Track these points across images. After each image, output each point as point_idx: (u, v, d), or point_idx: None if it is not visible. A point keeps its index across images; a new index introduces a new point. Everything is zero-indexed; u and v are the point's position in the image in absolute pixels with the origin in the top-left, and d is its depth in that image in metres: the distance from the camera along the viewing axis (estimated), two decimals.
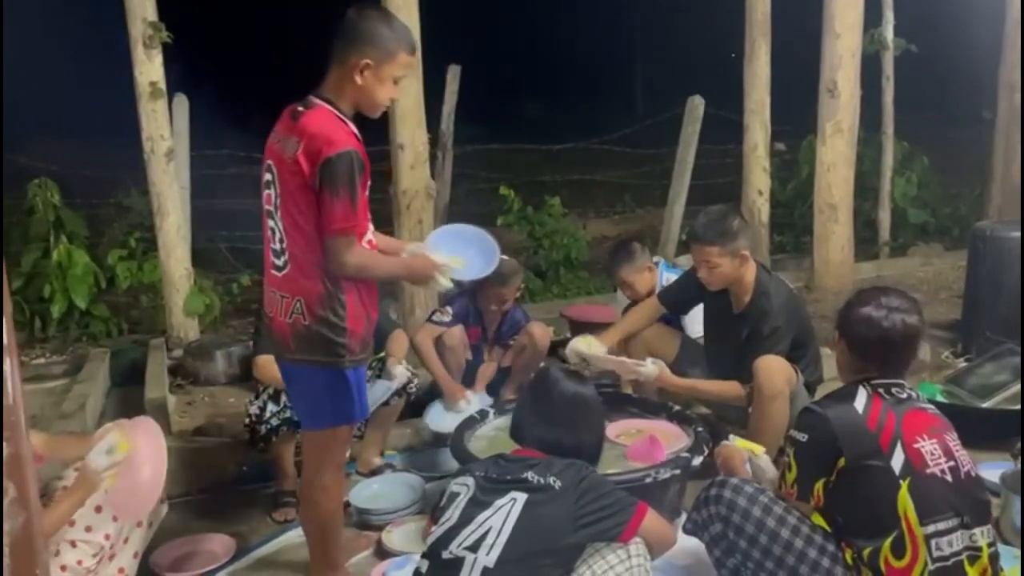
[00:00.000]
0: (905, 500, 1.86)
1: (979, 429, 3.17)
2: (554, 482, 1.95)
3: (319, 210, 2.14)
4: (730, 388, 2.95)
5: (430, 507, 2.76)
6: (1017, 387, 3.40)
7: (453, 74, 5.61)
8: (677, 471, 2.54)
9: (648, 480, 2.47)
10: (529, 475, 1.97)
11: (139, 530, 2.34)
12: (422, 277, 2.44)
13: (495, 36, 14.38)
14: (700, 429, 2.81)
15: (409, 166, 4.22)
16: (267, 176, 2.25)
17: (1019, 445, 2.87)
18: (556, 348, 4.43)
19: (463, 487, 2.04)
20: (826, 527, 1.98)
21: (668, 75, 11.98)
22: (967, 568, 1.88)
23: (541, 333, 3.62)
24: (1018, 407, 3.33)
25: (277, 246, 2.24)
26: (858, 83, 4.88)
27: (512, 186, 6.14)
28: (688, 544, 2.32)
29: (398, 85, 2.25)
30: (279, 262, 2.25)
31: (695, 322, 3.45)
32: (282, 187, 2.19)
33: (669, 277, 3.61)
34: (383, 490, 3.02)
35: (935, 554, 1.86)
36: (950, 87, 8.81)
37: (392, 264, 2.42)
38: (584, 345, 3.16)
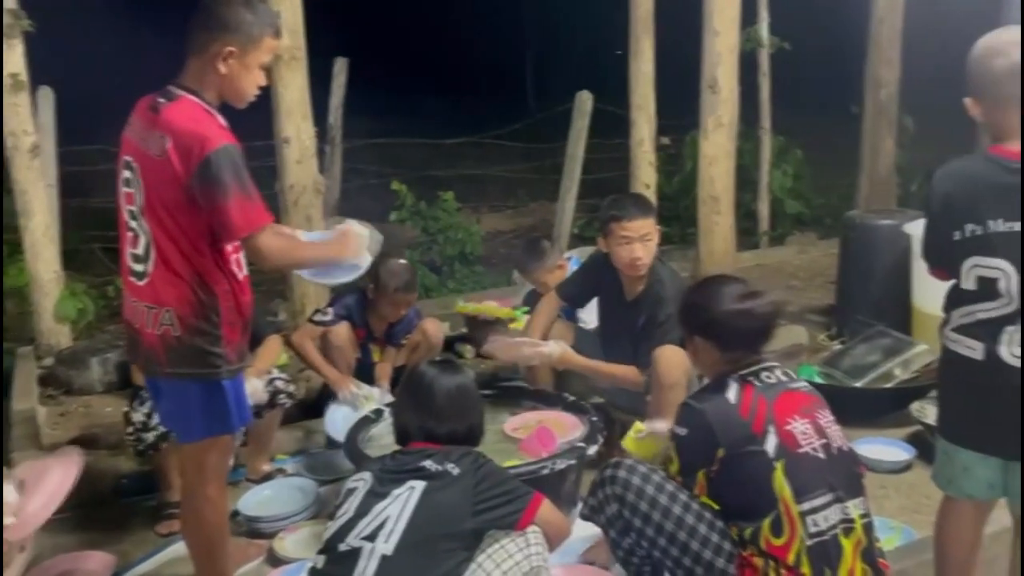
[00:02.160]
0: (781, 481, 1.94)
1: (854, 407, 3.36)
2: (452, 469, 1.96)
3: (211, 216, 2.02)
4: (629, 372, 3.01)
5: (324, 511, 2.70)
6: (887, 366, 3.61)
7: (340, 66, 5.50)
8: (573, 461, 2.58)
9: (545, 472, 2.49)
10: (427, 463, 1.97)
11: (20, 555, 2.21)
12: (353, 251, 2.33)
13: (385, 29, 14.20)
14: (595, 418, 2.85)
15: (295, 161, 4.11)
16: (126, 174, 2.11)
17: None
18: (451, 344, 4.43)
19: (360, 482, 2.03)
20: (714, 506, 2.05)
21: (559, 71, 12.12)
22: (842, 540, 1.97)
23: (434, 329, 3.60)
24: (889, 385, 3.54)
25: (140, 251, 2.10)
26: (737, 79, 5.06)
27: (404, 181, 6.07)
28: (588, 532, 2.37)
29: (264, 72, 2.15)
30: (140, 269, 2.11)
31: (589, 314, 3.51)
32: (147, 186, 2.06)
33: None
34: (274, 496, 2.93)
35: (812, 530, 1.93)
36: (821, 83, 9.28)
37: (316, 247, 2.32)
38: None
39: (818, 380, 3.62)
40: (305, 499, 2.88)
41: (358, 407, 3.23)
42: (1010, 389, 1.91)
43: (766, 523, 1.94)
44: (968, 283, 1.95)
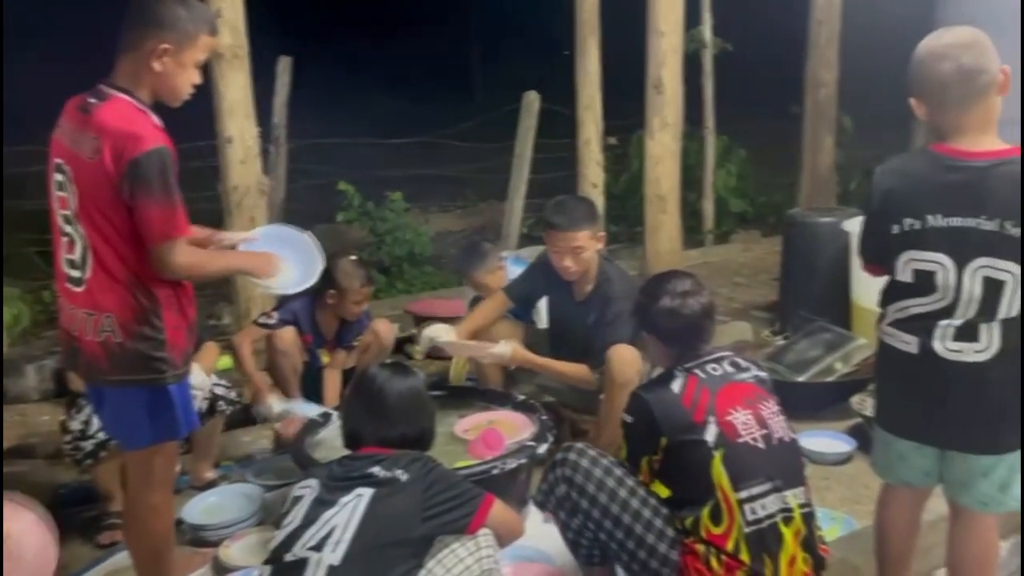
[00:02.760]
0: (719, 469, 1.99)
1: (797, 401, 3.43)
2: (401, 475, 1.93)
3: (133, 216, 1.98)
4: (581, 371, 3.02)
5: (271, 517, 2.65)
6: (828, 361, 3.69)
7: (284, 65, 5.42)
8: (523, 460, 2.58)
9: (495, 472, 2.49)
10: (375, 470, 1.94)
11: None
12: (266, 270, 2.31)
13: (330, 28, 14.04)
14: (544, 417, 2.86)
15: (239, 161, 4.03)
16: (58, 177, 2.04)
17: None
18: (402, 344, 4.40)
19: (306, 489, 1.99)
20: (661, 493, 2.10)
21: (507, 70, 12.13)
22: (782, 529, 2.02)
23: (386, 329, 3.58)
24: (830, 379, 3.62)
25: (76, 256, 2.04)
26: (681, 80, 5.13)
27: (352, 181, 6.02)
28: (544, 529, 2.39)
29: (199, 71, 2.11)
30: (77, 275, 2.05)
31: (541, 315, 3.52)
32: (81, 189, 2.00)
33: (516, 271, 3.65)
34: (219, 503, 2.87)
35: (749, 518, 1.98)
36: (763, 84, 9.45)
37: (228, 259, 2.29)
38: (435, 333, 3.18)
39: None
40: (251, 505, 2.83)
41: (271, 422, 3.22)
42: (944, 381, 1.97)
43: (705, 511, 1.99)
44: (904, 277, 2.00)
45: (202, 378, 2.83)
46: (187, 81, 2.09)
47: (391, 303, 5.30)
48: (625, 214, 7.07)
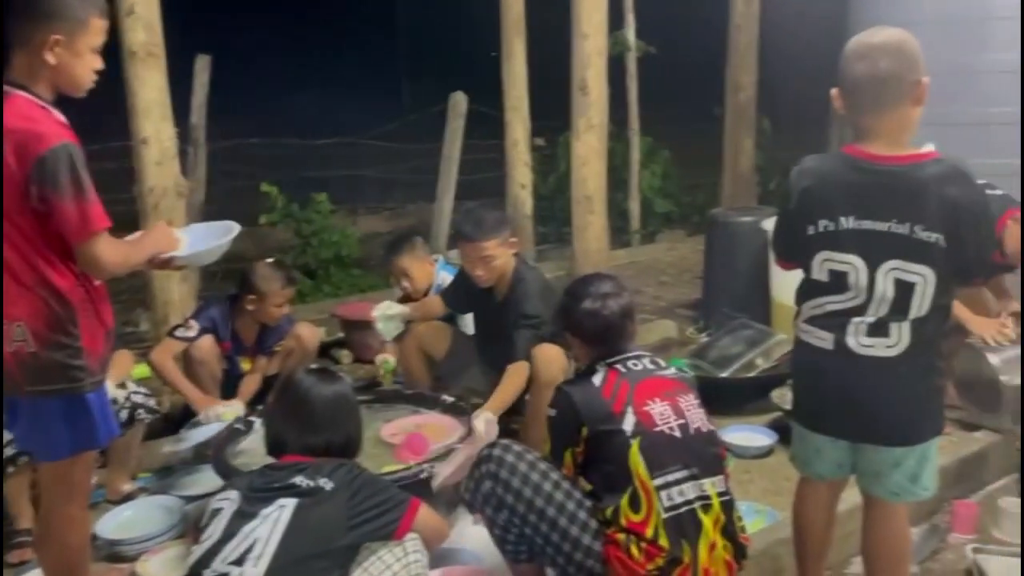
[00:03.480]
0: (636, 457, 2.04)
1: (721, 397, 3.51)
2: (325, 484, 1.90)
3: (50, 218, 1.89)
4: (520, 373, 2.94)
5: (191, 529, 2.58)
6: (749, 356, 3.79)
7: (202, 64, 5.27)
8: None
9: (423, 475, 2.48)
10: (298, 480, 1.90)
11: None
12: (166, 243, 2.22)
13: (252, 26, 13.72)
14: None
15: (155, 162, 3.89)
16: None
17: None
18: (328, 349, 4.34)
19: (226, 501, 1.93)
20: (585, 486, 2.13)
21: (434, 71, 12.08)
22: (701, 516, 2.07)
23: (309, 334, 3.51)
24: (752, 374, 3.72)
25: None
26: (605, 82, 5.19)
27: (275, 183, 5.90)
28: (473, 530, 2.39)
29: (97, 54, 2.01)
30: None
31: (466, 321, 3.52)
32: None
33: (446, 276, 3.63)
34: (136, 516, 2.77)
35: (667, 504, 2.03)
36: (685, 87, 9.65)
37: (139, 246, 2.19)
38: (386, 309, 3.25)
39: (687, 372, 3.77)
40: (170, 518, 2.74)
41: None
42: (856, 376, 2.04)
43: (625, 499, 2.03)
44: (820, 275, 2.06)
45: (113, 392, 2.72)
46: (86, 69, 2.00)
47: (317, 307, 5.22)
48: (554, 214, 7.13)
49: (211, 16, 10.62)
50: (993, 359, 3.19)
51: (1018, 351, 3.17)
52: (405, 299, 3.62)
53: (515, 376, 2.93)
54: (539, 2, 5.46)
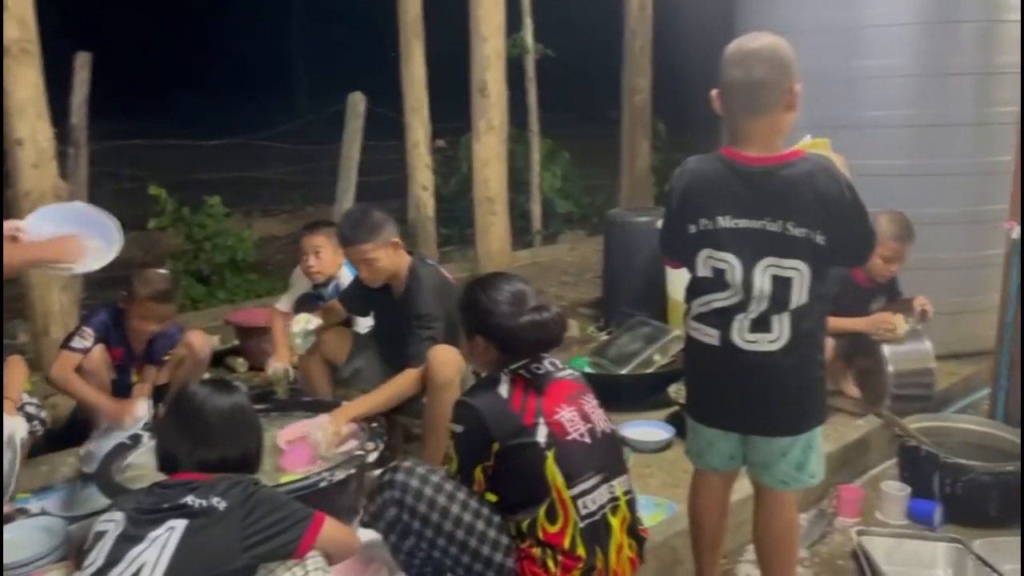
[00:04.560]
0: (552, 469, 2.00)
1: (621, 393, 3.59)
2: (218, 503, 1.80)
3: None
4: (405, 381, 2.93)
5: (76, 552, 2.44)
6: (647, 353, 3.87)
7: (82, 62, 4.99)
8: (352, 470, 2.52)
9: (324, 484, 2.42)
10: (189, 499, 1.80)
11: None
12: (75, 254, 2.07)
13: (138, 22, 13.15)
14: (375, 424, 2.81)
15: (31, 164, 3.68)
16: None
17: None
18: (222, 357, 4.19)
19: (111, 523, 1.81)
20: (492, 498, 2.08)
21: (332, 71, 11.86)
22: (610, 518, 2.07)
23: (200, 342, 3.37)
24: (650, 370, 3.80)
25: None
26: (504, 84, 5.22)
27: (164, 185, 5.65)
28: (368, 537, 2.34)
29: None
30: None
31: (359, 322, 3.46)
32: None
33: (347, 277, 3.55)
34: (15, 539, 2.59)
35: (583, 512, 2.02)
36: (585, 90, 9.83)
37: (28, 251, 2.04)
38: (306, 324, 3.16)
39: (588, 370, 3.82)
40: (52, 540, 2.58)
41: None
42: (743, 370, 2.11)
43: (541, 511, 2.00)
44: (704, 273, 2.12)
45: (17, 422, 2.55)
46: None
47: (212, 313, 5.04)
48: (456, 216, 7.12)
49: (92, 11, 10.12)
50: (886, 350, 3.37)
51: (914, 346, 3.37)
52: (308, 307, 3.52)
53: (395, 385, 2.88)
54: (438, 3, 5.44)
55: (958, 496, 2.88)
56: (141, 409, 3.09)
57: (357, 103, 5.85)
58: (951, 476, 2.90)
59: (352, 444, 2.71)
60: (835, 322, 2.89)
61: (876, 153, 3.76)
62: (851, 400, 3.54)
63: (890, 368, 3.37)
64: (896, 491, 2.96)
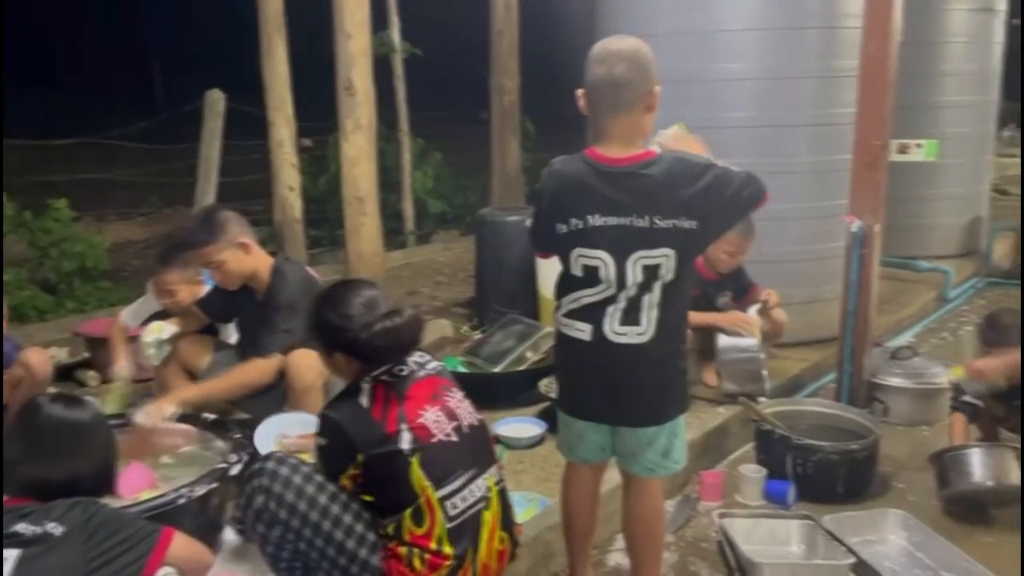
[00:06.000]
0: (418, 474, 1.99)
1: (495, 391, 3.61)
2: (54, 529, 1.68)
3: None
4: (250, 369, 2.84)
5: None
6: (520, 350, 3.91)
7: None
8: (214, 484, 2.41)
9: (182, 501, 2.30)
10: (20, 527, 1.67)
11: None
12: None
13: None
14: (239, 435, 2.70)
15: None
16: None
17: None
18: (72, 371, 3.92)
19: None
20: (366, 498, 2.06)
21: (190, 68, 11.35)
22: (484, 515, 2.08)
23: (39, 360, 3.11)
24: (522, 367, 3.84)
25: None
26: (372, 82, 5.14)
27: (3, 188, 5.24)
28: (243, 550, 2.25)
29: None
30: None
31: (228, 330, 3.33)
32: None
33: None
34: None
35: (451, 512, 2.02)
36: (454, 89, 9.84)
37: None
38: (160, 333, 3.04)
39: (461, 369, 3.83)
40: None
41: None
42: (613, 363, 2.17)
43: (407, 514, 1.99)
44: (576, 270, 2.16)
45: None
46: None
47: (60, 324, 4.71)
48: (326, 217, 6.97)
49: None
50: (720, 341, 3.54)
51: (746, 340, 3.55)
52: (163, 314, 3.36)
53: (239, 373, 2.82)
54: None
55: (809, 475, 3.07)
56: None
57: (216, 101, 5.61)
58: (802, 457, 3.07)
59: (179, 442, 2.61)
60: (693, 316, 3.01)
61: (729, 152, 3.85)
62: (711, 389, 3.69)
63: (722, 358, 3.54)
64: (753, 473, 3.12)
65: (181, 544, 1.86)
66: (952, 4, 5.83)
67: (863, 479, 3.13)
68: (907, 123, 4.92)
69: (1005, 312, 3.23)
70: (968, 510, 2.97)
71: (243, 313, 3.13)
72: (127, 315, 3.51)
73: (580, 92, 2.14)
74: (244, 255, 2.92)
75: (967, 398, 3.20)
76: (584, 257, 2.13)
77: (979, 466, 2.94)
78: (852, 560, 2.55)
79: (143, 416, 2.64)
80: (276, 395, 2.95)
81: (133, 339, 3.36)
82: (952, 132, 5.77)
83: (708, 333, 3.62)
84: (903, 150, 4.93)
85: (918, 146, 5.07)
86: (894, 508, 2.90)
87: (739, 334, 3.57)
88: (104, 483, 1.92)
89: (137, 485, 2.42)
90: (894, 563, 2.68)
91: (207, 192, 5.69)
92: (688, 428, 2.39)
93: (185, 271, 3.36)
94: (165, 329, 3.11)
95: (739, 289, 3.81)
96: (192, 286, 3.39)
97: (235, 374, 2.86)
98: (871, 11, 3.50)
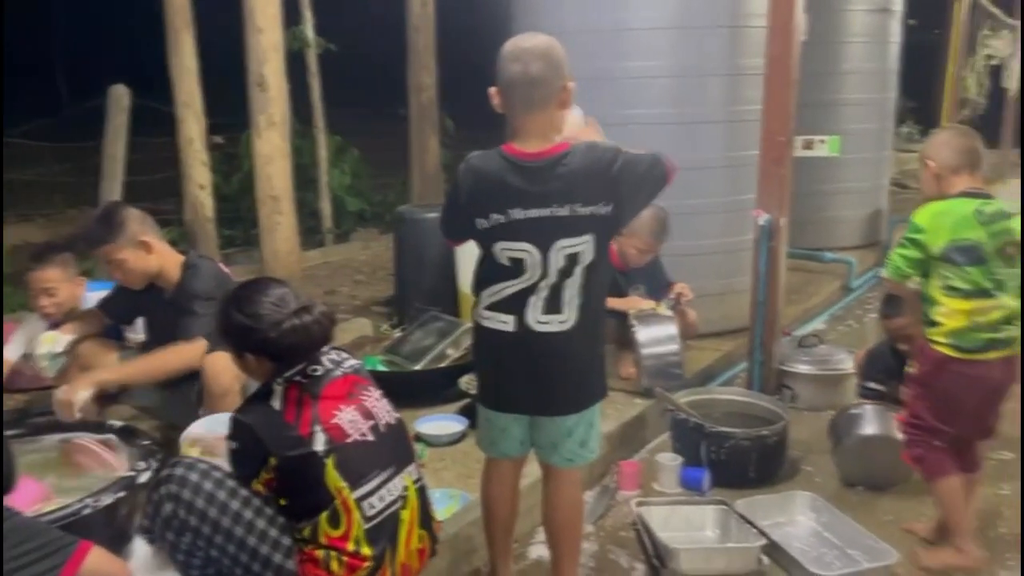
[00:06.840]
0: (333, 474, 1.96)
1: (416, 389, 3.59)
2: None
3: None
4: (172, 353, 2.75)
5: None
6: (440, 347, 3.90)
7: None
8: (122, 493, 2.33)
9: (87, 511, 2.21)
10: None
11: None
12: None
13: None
14: (147, 442, 2.62)
15: None
16: None
17: None
18: None
19: None
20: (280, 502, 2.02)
21: (96, 63, 10.90)
22: (401, 514, 2.07)
23: None
24: (443, 365, 3.84)
25: None
26: (285, 78, 5.04)
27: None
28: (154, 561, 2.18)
29: None
30: None
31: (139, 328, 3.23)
32: None
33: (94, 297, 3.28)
34: None
35: (368, 513, 2.00)
36: (372, 86, 9.73)
37: None
38: (53, 346, 2.93)
39: (381, 368, 3.79)
40: None
41: None
42: (536, 353, 2.18)
43: (323, 517, 1.96)
44: (500, 262, 2.17)
45: None
46: None
47: None
48: (240, 215, 6.80)
49: None
50: (639, 335, 3.60)
51: (663, 329, 3.62)
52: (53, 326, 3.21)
53: (161, 356, 2.75)
54: None
55: (723, 461, 3.16)
56: None
57: (120, 96, 5.39)
58: (716, 444, 3.17)
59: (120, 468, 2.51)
60: None
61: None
62: (627, 380, 3.76)
63: (644, 351, 3.62)
64: (669, 461, 3.20)
65: (98, 558, 1.77)
66: (851, 5, 6.08)
67: (774, 463, 3.25)
68: (811, 120, 5.12)
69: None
70: (861, 471, 3.15)
71: (150, 312, 3.04)
72: (12, 352, 3.31)
73: (493, 90, 2.16)
74: (146, 254, 2.84)
75: (871, 384, 3.37)
76: (508, 250, 2.15)
77: (868, 421, 3.18)
78: (763, 542, 2.64)
79: (61, 393, 2.57)
80: (189, 398, 2.88)
81: (26, 356, 3.23)
82: (853, 128, 6.03)
83: (625, 326, 3.68)
84: (808, 146, 5.14)
85: (822, 142, 5.29)
86: (802, 491, 3.02)
87: (653, 319, 3.64)
88: (7, 488, 1.83)
89: (27, 499, 2.28)
90: (803, 543, 2.78)
91: (112, 191, 5.47)
92: (606, 419, 2.44)
93: (65, 269, 3.25)
94: (58, 340, 2.95)
95: (656, 285, 3.89)
96: (72, 285, 3.28)
97: (159, 356, 2.75)
98: (775, 12, 3.62)
